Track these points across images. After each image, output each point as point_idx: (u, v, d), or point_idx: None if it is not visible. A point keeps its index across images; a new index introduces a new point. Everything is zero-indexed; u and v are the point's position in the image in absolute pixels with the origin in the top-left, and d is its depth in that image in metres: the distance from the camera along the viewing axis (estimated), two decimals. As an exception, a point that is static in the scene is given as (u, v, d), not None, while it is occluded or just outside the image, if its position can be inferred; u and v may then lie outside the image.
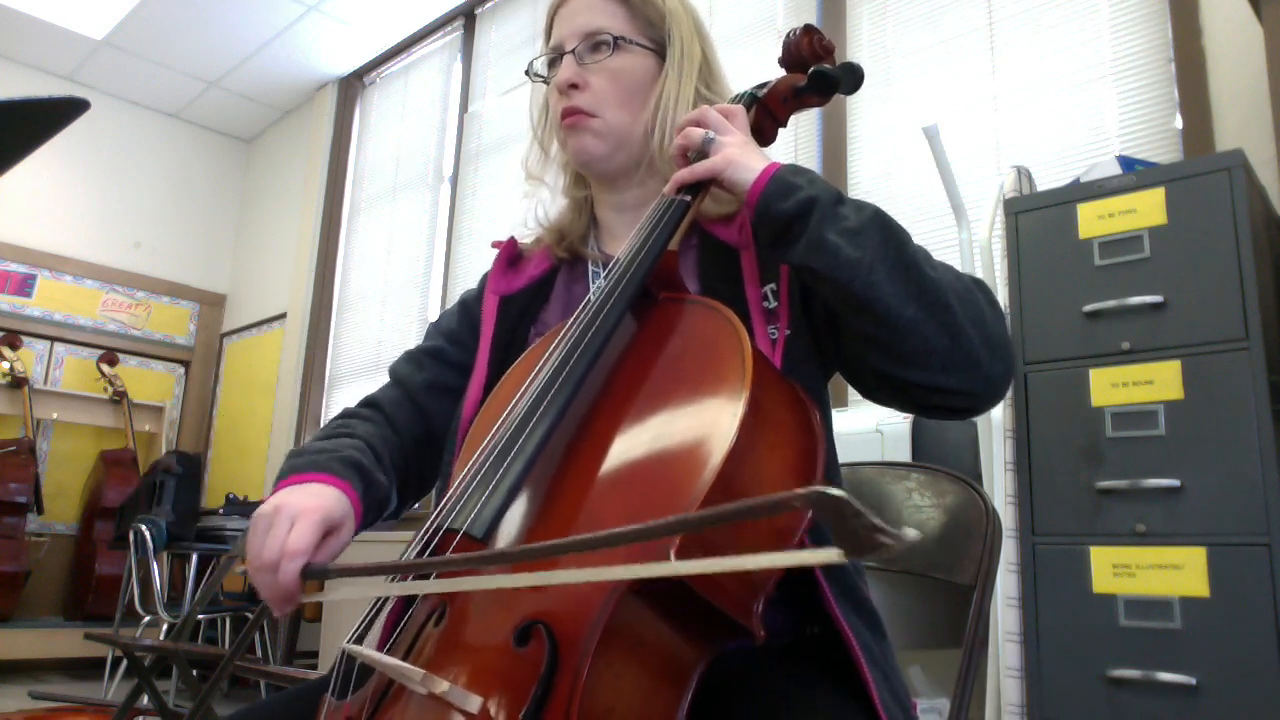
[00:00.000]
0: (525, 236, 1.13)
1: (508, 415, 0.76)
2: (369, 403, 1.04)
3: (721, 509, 0.47)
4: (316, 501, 0.78)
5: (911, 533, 0.40)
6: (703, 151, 0.89)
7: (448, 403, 1.04)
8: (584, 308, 0.82)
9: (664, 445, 0.68)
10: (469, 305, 1.10)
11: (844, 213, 0.82)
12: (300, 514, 0.76)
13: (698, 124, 0.91)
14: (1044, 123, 2.55)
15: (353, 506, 0.82)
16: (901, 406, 0.88)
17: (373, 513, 0.89)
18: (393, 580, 0.74)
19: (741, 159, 0.86)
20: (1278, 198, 1.93)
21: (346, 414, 1.02)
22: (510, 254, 1.10)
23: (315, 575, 0.74)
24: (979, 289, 0.84)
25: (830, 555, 0.41)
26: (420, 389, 1.04)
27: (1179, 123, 2.28)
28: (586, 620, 0.60)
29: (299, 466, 0.84)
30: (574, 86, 1.00)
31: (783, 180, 0.83)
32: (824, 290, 0.84)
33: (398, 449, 0.99)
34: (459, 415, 0.97)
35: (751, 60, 3.30)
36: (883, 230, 0.81)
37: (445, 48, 4.83)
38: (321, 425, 4.88)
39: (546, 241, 1.09)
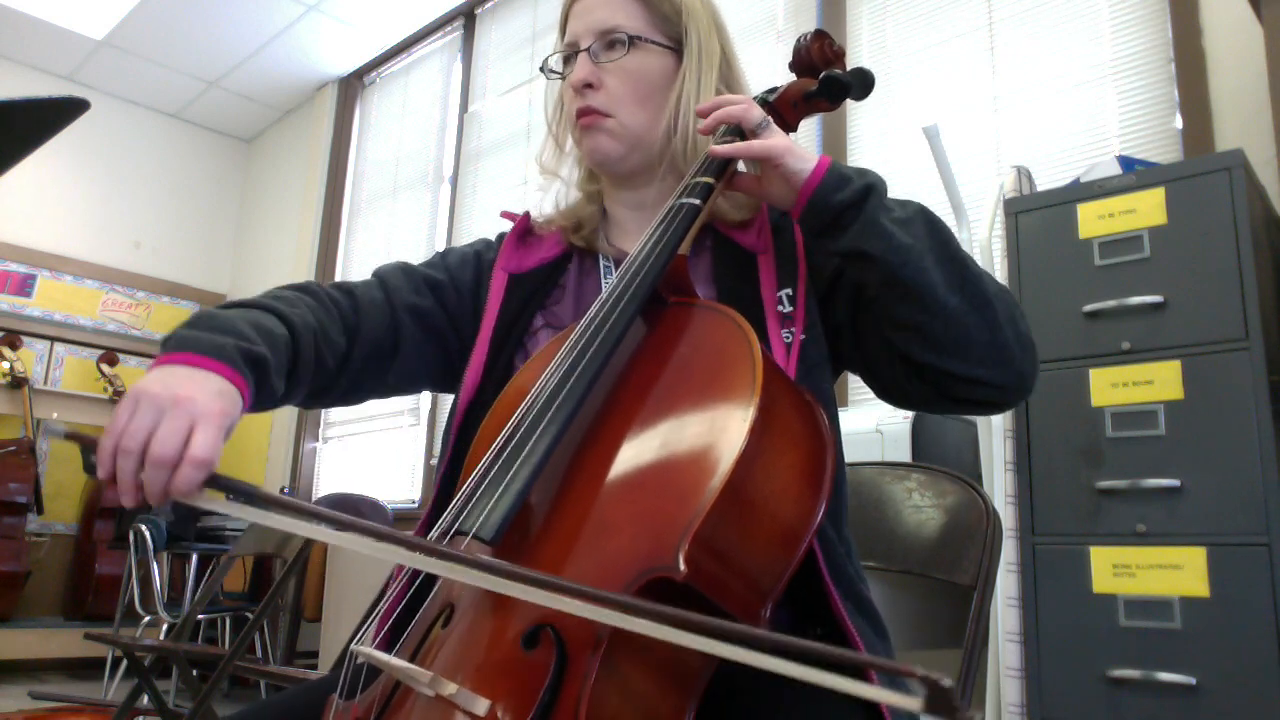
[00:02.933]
0: (540, 217, 1.11)
1: (518, 416, 0.76)
2: (344, 289, 0.99)
3: (845, 655, 0.51)
4: (219, 404, 0.71)
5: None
6: (755, 133, 0.89)
7: (425, 339, 1.02)
8: (594, 310, 0.82)
9: (674, 450, 0.69)
10: (482, 263, 1.08)
11: (891, 204, 0.84)
12: (203, 415, 0.69)
13: (745, 116, 0.90)
14: (1044, 123, 2.55)
15: (243, 408, 0.76)
16: (931, 401, 0.90)
17: (256, 409, 0.83)
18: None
19: (797, 149, 0.87)
20: (1278, 198, 1.93)
21: (306, 289, 0.96)
22: (523, 228, 1.09)
23: (229, 490, 0.69)
24: (1008, 292, 0.87)
25: (912, 704, 0.44)
26: (405, 308, 1.00)
27: (1179, 123, 2.28)
28: (595, 623, 0.61)
29: (201, 345, 0.75)
30: (589, 86, 0.99)
31: (838, 172, 0.85)
32: (872, 276, 0.85)
33: (338, 351, 0.93)
34: (455, 403, 0.96)
35: (752, 60, 3.30)
36: (928, 223, 0.84)
37: (445, 48, 4.83)
38: (321, 425, 4.77)
39: (561, 225, 1.08)
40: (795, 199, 0.86)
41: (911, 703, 0.44)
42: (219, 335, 0.77)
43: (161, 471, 0.67)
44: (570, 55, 1.03)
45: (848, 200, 0.83)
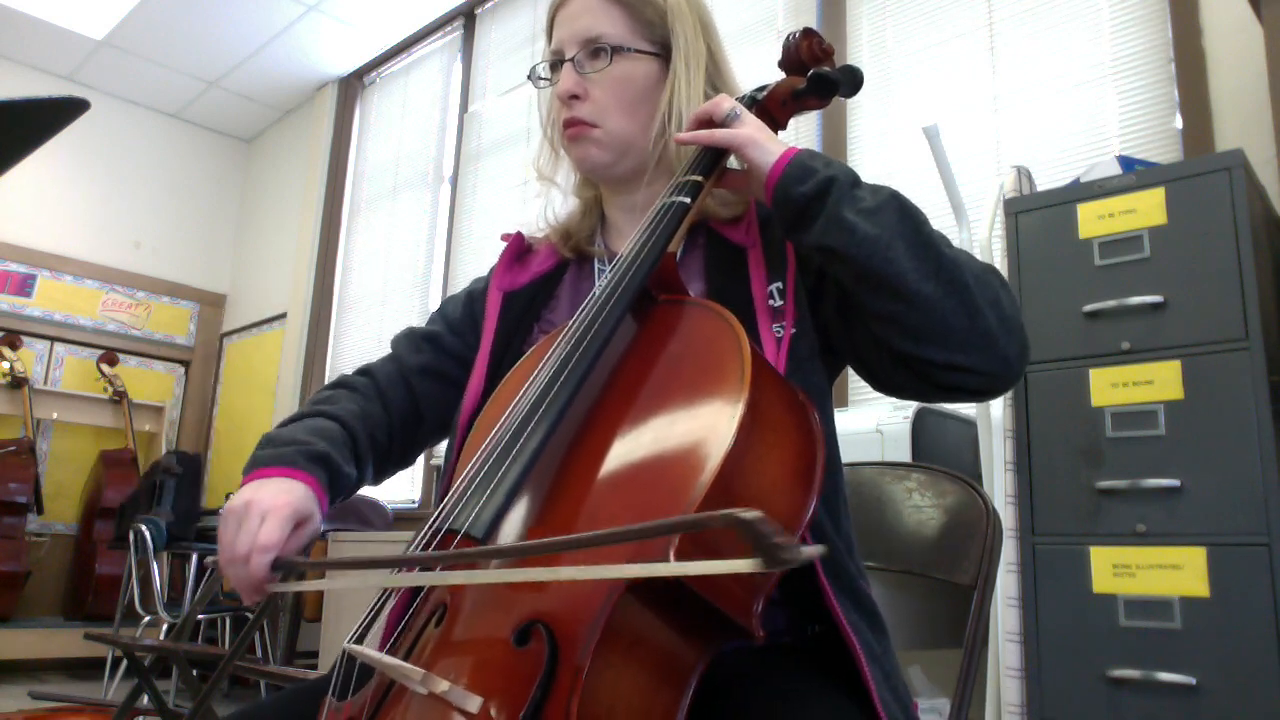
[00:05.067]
0: (534, 232, 1.13)
1: (507, 416, 0.76)
2: (365, 372, 1.07)
3: (662, 523, 0.53)
4: (285, 498, 0.81)
5: (812, 550, 0.45)
6: (725, 124, 0.90)
7: (438, 389, 1.06)
8: (584, 308, 0.82)
9: (663, 447, 0.69)
10: (474, 297, 1.11)
11: (860, 194, 0.83)
12: (270, 510, 0.79)
13: (715, 108, 0.92)
14: (1044, 123, 2.55)
15: (318, 499, 0.86)
16: (918, 390, 0.88)
17: (339, 497, 0.93)
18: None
19: (763, 140, 0.87)
20: (1278, 198, 1.93)
21: (339, 383, 1.05)
22: (517, 248, 1.10)
23: (285, 568, 0.78)
24: (993, 274, 0.85)
25: (746, 565, 0.45)
26: (414, 371, 1.06)
27: (1179, 123, 2.28)
28: (586, 620, 0.61)
29: (266, 459, 0.87)
30: (575, 97, 1.00)
31: (800, 163, 0.84)
32: (843, 271, 0.84)
33: (383, 425, 1.02)
34: (459, 412, 0.97)
35: (751, 60, 3.30)
36: (899, 210, 0.82)
37: (445, 48, 4.84)
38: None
39: (551, 238, 1.09)
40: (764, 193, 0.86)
41: (744, 565, 0.46)
42: (280, 448, 0.88)
43: (243, 566, 0.78)
44: (556, 63, 1.03)
45: (810, 193, 0.82)
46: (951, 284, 0.80)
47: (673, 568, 0.52)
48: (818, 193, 0.82)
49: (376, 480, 1.04)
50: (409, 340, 1.10)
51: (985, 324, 0.80)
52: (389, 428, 1.02)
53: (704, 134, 0.89)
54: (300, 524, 0.82)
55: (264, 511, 0.79)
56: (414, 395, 1.05)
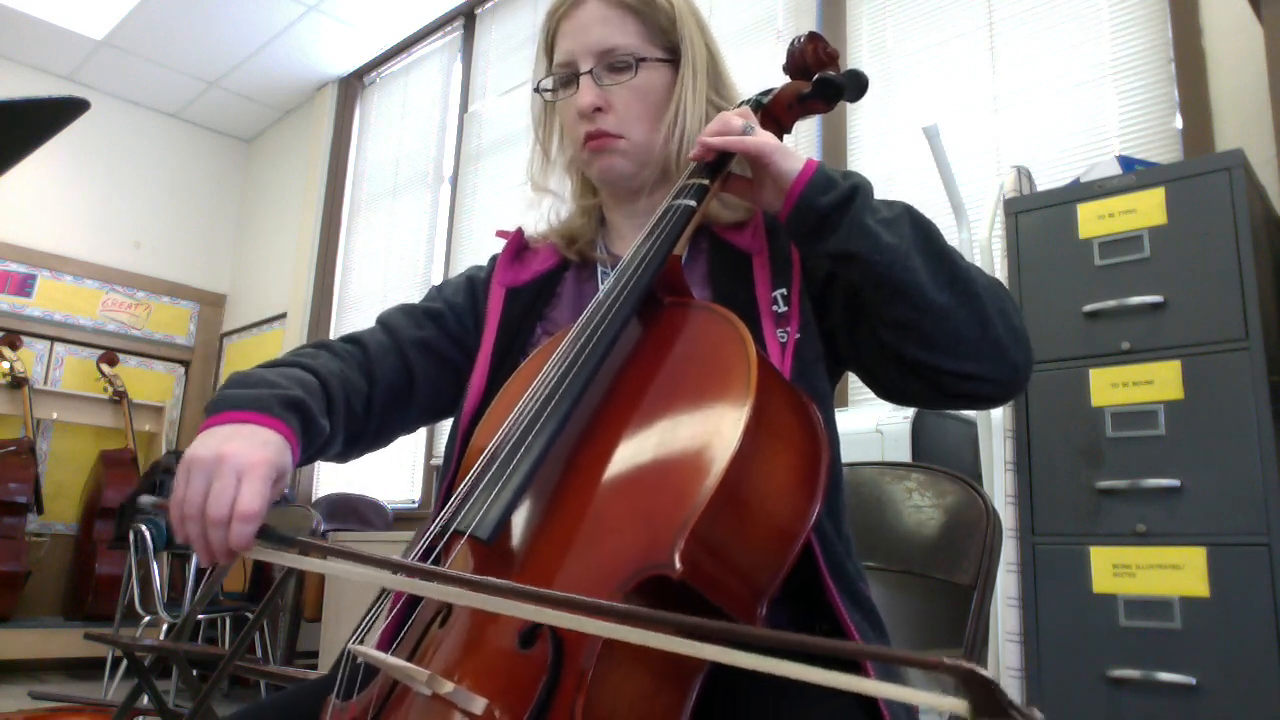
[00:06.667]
0: (536, 233, 1.12)
1: (514, 417, 0.76)
2: (353, 339, 1.01)
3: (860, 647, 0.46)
4: (262, 453, 0.73)
5: (1039, 715, 0.38)
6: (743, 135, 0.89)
7: (435, 368, 1.03)
8: (590, 311, 0.82)
9: (669, 450, 0.69)
10: (475, 284, 1.09)
11: (878, 206, 0.85)
12: (248, 468, 0.71)
13: (740, 118, 0.91)
14: (1044, 123, 2.55)
15: (292, 452, 0.79)
16: (929, 398, 0.90)
17: (310, 450, 0.86)
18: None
19: (787, 149, 0.87)
20: (1278, 198, 1.93)
21: (320, 344, 0.98)
22: (517, 244, 1.09)
23: (272, 540, 0.71)
24: (1000, 286, 0.87)
25: (958, 706, 0.39)
26: (411, 344, 1.02)
27: (1179, 123, 2.28)
28: None
29: (237, 400, 0.78)
30: (598, 110, 0.98)
31: (824, 173, 0.85)
32: (861, 278, 0.84)
33: (362, 396, 0.95)
34: (460, 410, 0.97)
35: (751, 61, 3.30)
36: (914, 222, 0.84)
37: (445, 48, 4.83)
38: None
39: (554, 240, 1.08)
40: (783, 201, 0.86)
41: (954, 705, 0.39)
42: (253, 389, 0.80)
43: (219, 530, 0.70)
44: (568, 76, 1.01)
45: (834, 202, 0.83)
46: (964, 294, 0.82)
47: (870, 686, 0.44)
48: (842, 201, 0.83)
49: (344, 456, 0.97)
50: (407, 314, 1.05)
51: (995, 333, 0.83)
52: (368, 400, 0.96)
53: (735, 140, 0.87)
54: (275, 481, 0.75)
55: (240, 469, 0.71)
56: (409, 368, 1.00)
